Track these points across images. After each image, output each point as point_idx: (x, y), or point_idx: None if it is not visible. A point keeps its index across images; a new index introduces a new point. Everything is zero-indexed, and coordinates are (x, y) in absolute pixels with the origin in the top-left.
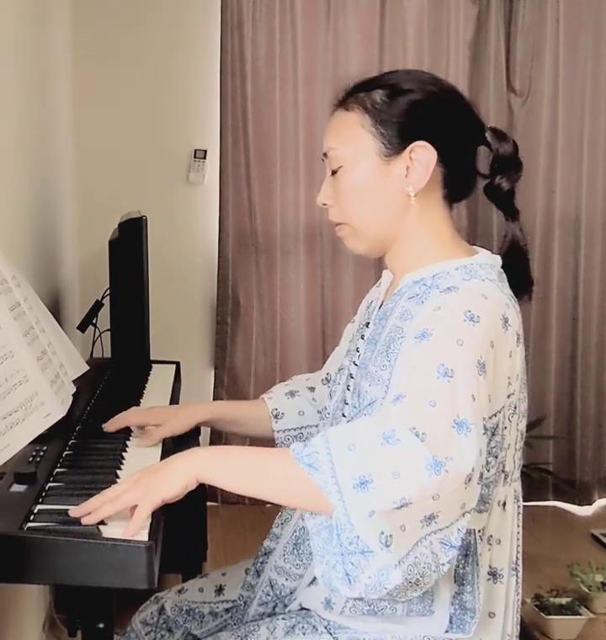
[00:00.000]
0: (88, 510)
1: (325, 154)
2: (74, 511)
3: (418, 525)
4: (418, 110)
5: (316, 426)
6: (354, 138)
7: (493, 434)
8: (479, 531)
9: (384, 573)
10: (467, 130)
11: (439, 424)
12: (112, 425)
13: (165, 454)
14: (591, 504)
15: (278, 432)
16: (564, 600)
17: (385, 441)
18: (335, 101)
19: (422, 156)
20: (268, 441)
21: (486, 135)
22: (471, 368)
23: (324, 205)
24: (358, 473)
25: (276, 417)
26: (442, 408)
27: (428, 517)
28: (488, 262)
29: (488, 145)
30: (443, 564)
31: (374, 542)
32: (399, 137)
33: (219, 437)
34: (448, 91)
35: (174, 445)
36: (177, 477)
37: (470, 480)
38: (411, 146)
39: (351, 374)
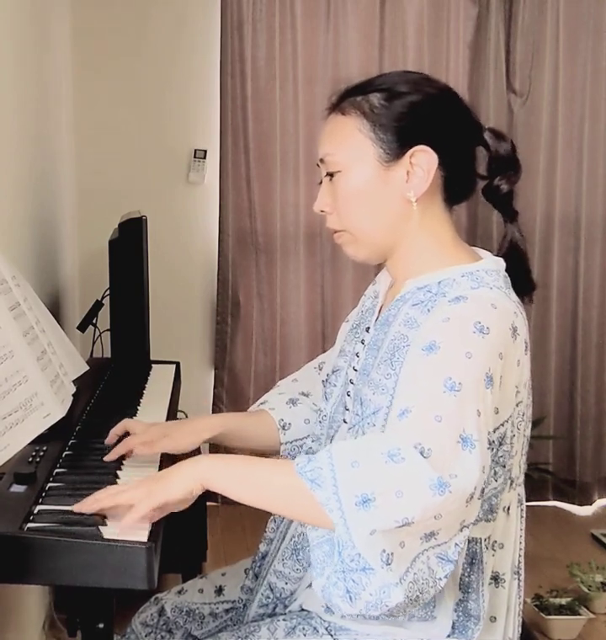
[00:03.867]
0: (90, 504)
1: (321, 160)
2: (77, 506)
3: (418, 542)
4: (417, 113)
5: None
6: (352, 143)
7: (500, 444)
8: (485, 539)
9: (385, 590)
10: (465, 131)
11: (445, 440)
12: (114, 455)
13: (164, 456)
14: (591, 504)
15: (286, 444)
16: (564, 600)
17: (390, 459)
18: (328, 105)
19: (424, 160)
20: (271, 454)
21: (485, 135)
22: (479, 382)
23: (322, 212)
24: (361, 491)
25: (284, 428)
26: (448, 423)
27: (429, 534)
28: (494, 268)
29: (486, 145)
30: (439, 579)
31: (375, 560)
32: (398, 142)
33: (217, 448)
34: (443, 91)
35: (173, 457)
36: (180, 482)
37: (471, 498)
38: (411, 150)
39: (351, 379)
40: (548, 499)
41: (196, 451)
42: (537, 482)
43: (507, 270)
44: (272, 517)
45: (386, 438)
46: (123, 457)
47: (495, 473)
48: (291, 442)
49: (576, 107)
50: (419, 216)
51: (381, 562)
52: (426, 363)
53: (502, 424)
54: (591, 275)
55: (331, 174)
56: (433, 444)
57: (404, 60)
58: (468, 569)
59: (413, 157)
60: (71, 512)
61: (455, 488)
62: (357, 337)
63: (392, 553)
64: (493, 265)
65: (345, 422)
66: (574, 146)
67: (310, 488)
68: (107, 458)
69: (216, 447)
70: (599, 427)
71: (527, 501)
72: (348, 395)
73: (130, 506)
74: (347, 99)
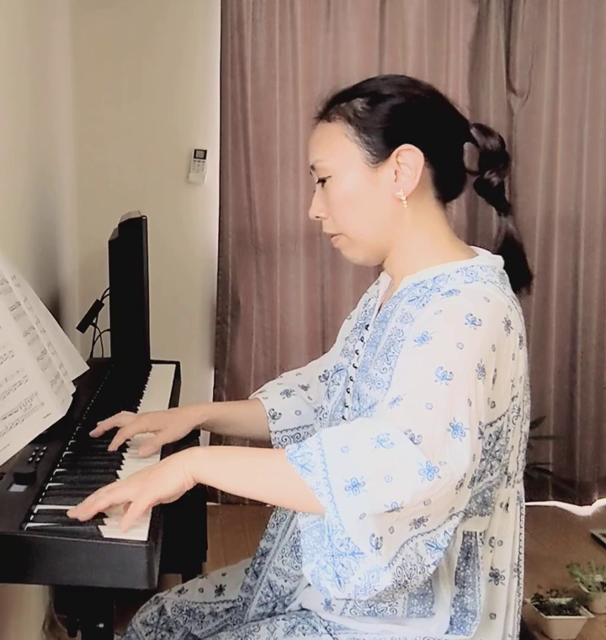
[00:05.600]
0: (85, 510)
1: (312, 167)
2: (72, 512)
3: (406, 528)
4: (400, 114)
5: (313, 426)
6: (340, 149)
7: (497, 438)
8: (480, 534)
9: (374, 574)
10: (451, 129)
11: (435, 427)
12: (114, 446)
13: (165, 454)
14: (591, 504)
15: (275, 433)
16: (564, 600)
17: (379, 444)
18: (315, 113)
19: (410, 159)
20: (264, 442)
21: (472, 131)
22: (471, 372)
23: (317, 217)
24: (351, 475)
25: (273, 417)
26: (438, 411)
27: (418, 520)
28: (489, 263)
29: (474, 141)
30: (428, 565)
31: (365, 544)
32: (384, 143)
33: (218, 438)
34: (427, 92)
35: (174, 447)
36: (173, 477)
37: (461, 485)
38: (397, 150)
39: (351, 377)
40: (548, 499)
41: (194, 441)
42: (537, 482)
43: (505, 263)
44: (273, 513)
45: (376, 423)
46: (125, 448)
47: (491, 467)
48: (281, 431)
49: (576, 107)
50: (411, 214)
51: (370, 547)
52: (418, 353)
53: (499, 418)
54: (591, 275)
55: (322, 180)
56: (423, 431)
57: (404, 60)
58: (463, 563)
59: (399, 157)
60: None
61: (444, 474)
62: (358, 335)
63: (381, 537)
64: (489, 262)
65: (344, 419)
66: (574, 146)
67: (300, 474)
68: (110, 449)
69: (218, 437)
70: (599, 427)
71: (527, 501)
72: (348, 392)
73: (127, 503)
74: (332, 107)
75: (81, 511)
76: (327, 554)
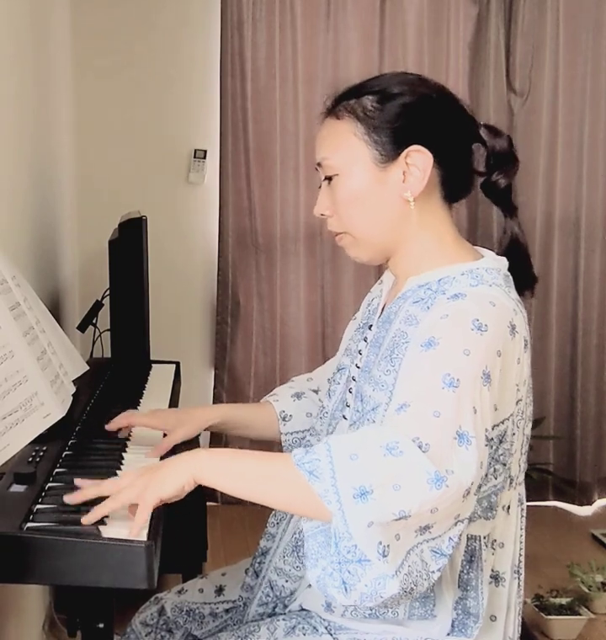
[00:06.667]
0: (83, 496)
1: (319, 164)
2: (69, 497)
3: (412, 535)
4: (410, 114)
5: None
6: (348, 147)
7: (501, 442)
8: (484, 537)
9: (381, 582)
10: (461, 129)
11: (442, 435)
12: (114, 424)
13: (165, 454)
14: (591, 504)
15: (285, 435)
16: (564, 600)
17: (388, 452)
18: (323, 109)
19: (419, 160)
20: (273, 444)
21: (481, 131)
22: (476, 379)
23: (322, 215)
24: (359, 483)
25: (284, 419)
26: (446, 419)
27: (423, 528)
28: (494, 266)
29: (483, 142)
30: (432, 572)
31: (372, 552)
32: (393, 143)
33: (219, 438)
34: (437, 90)
35: (174, 446)
36: (175, 478)
37: (468, 493)
38: (406, 151)
39: (353, 376)
40: (548, 499)
41: (194, 440)
42: (537, 482)
43: (509, 267)
44: (273, 512)
45: (385, 431)
46: (125, 448)
47: (495, 471)
48: (291, 433)
49: (576, 107)
50: (418, 215)
51: (378, 554)
52: (424, 359)
53: (503, 422)
54: (591, 276)
55: (329, 178)
56: (431, 439)
57: (404, 60)
58: (467, 567)
59: (408, 158)
60: (70, 511)
61: (452, 483)
62: (361, 335)
63: (388, 545)
64: (494, 264)
65: (345, 418)
66: (574, 146)
67: (308, 480)
68: (108, 427)
69: (218, 437)
70: (599, 427)
71: (527, 501)
72: (350, 391)
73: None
74: (341, 103)
75: (78, 499)
76: (334, 561)
